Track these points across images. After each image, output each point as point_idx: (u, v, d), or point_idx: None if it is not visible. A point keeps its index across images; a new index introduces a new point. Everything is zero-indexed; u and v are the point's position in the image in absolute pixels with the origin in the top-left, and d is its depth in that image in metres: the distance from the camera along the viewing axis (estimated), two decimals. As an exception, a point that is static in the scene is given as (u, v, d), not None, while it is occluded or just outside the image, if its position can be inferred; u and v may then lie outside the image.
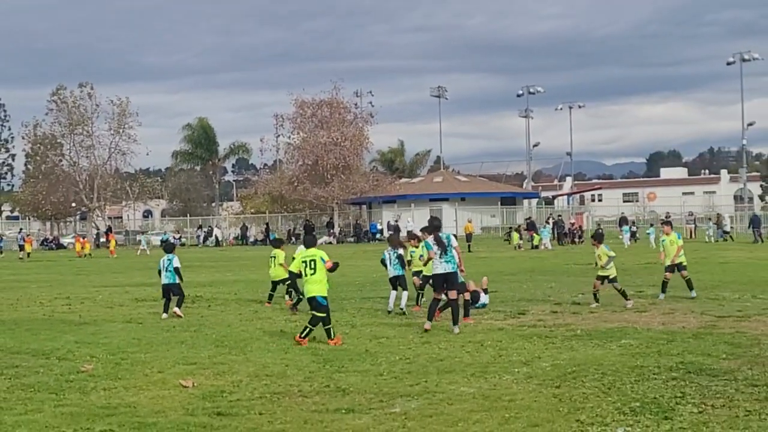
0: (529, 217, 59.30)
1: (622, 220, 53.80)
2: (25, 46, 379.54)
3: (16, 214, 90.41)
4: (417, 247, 15.95)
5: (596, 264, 16.21)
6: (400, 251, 15.91)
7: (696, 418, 7.25)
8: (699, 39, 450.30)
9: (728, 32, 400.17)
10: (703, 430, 6.90)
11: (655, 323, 13.35)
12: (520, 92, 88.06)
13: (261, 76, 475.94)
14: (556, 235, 50.85)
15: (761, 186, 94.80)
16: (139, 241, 58.07)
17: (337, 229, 65.71)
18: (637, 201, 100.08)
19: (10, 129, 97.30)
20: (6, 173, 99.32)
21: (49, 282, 27.11)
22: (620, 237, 48.12)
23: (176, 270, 15.77)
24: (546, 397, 8.14)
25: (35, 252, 53.73)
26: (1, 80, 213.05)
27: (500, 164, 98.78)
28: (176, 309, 15.67)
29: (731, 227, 54.56)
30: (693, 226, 55.24)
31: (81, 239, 54.56)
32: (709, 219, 57.07)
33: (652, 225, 53.96)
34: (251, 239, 67.19)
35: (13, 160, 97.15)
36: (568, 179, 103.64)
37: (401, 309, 15.33)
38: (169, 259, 15.86)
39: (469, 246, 43.37)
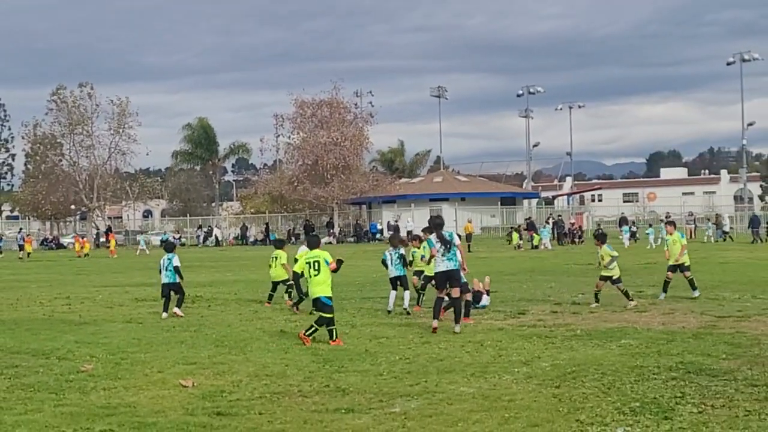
0: (529, 217, 59.31)
1: (622, 221, 53.84)
2: (25, 46, 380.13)
3: (15, 213, 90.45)
4: (418, 247, 15.95)
5: (599, 264, 16.22)
6: (402, 251, 15.90)
7: (696, 418, 7.25)
8: (699, 39, 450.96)
9: (728, 32, 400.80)
10: (702, 430, 6.90)
11: (655, 323, 13.35)
12: (520, 92, 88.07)
13: (261, 76, 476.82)
14: (555, 235, 50.86)
15: (761, 186, 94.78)
16: (138, 241, 58.07)
17: (337, 229, 65.72)
18: (637, 201, 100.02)
19: (10, 129, 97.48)
20: (6, 173, 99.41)
21: (49, 282, 27.13)
22: (620, 237, 48.12)
23: (176, 269, 15.78)
24: (546, 397, 8.14)
25: (35, 252, 53.72)
26: (1, 80, 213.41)
27: (500, 164, 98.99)
28: (176, 309, 15.69)
29: (731, 227, 54.55)
30: (693, 226, 55.24)
31: (80, 239, 54.54)
32: (708, 219, 57.08)
33: (650, 225, 53.97)
34: (251, 239, 67.22)
35: (13, 159, 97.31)
36: (568, 179, 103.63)
37: (405, 309, 15.29)
38: (169, 259, 15.88)
39: (468, 246, 43.35)
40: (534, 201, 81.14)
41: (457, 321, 12.87)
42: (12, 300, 20.08)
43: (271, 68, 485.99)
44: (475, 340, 11.89)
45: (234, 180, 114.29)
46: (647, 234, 46.86)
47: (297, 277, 13.45)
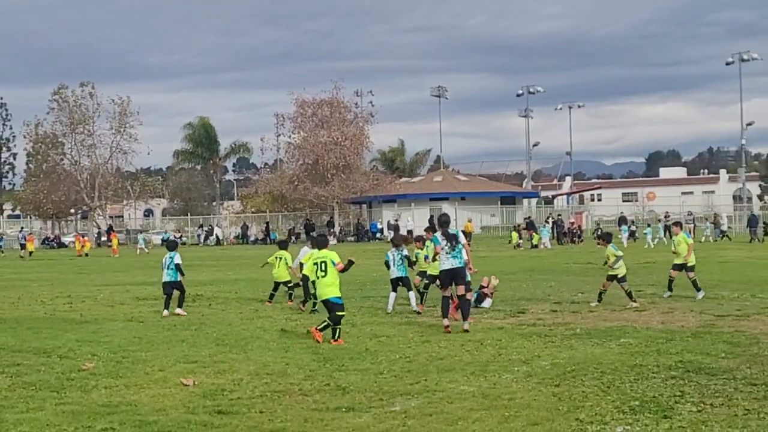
0: (529, 217, 59.36)
1: (622, 220, 53.86)
2: (25, 46, 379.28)
3: (17, 212, 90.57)
4: (421, 248, 15.94)
5: (605, 264, 16.27)
6: (405, 252, 15.82)
7: (695, 416, 7.28)
8: (699, 39, 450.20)
9: (728, 32, 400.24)
10: (702, 428, 6.92)
11: (654, 322, 13.38)
12: (520, 92, 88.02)
13: (261, 76, 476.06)
14: (555, 235, 50.92)
15: (760, 186, 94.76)
16: (138, 240, 58.04)
17: (337, 229, 65.72)
18: (636, 201, 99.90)
19: (11, 128, 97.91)
20: (7, 172, 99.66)
21: (51, 281, 27.16)
22: (619, 236, 48.12)
23: (177, 266, 15.81)
24: (545, 396, 8.17)
25: (37, 251, 53.73)
26: (2, 80, 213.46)
27: (500, 164, 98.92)
28: (179, 309, 15.73)
29: (729, 227, 54.56)
30: (692, 225, 55.20)
31: (81, 238, 54.55)
32: (707, 219, 57.10)
33: (649, 225, 53.97)
34: (252, 238, 67.22)
35: (15, 159, 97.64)
36: (568, 179, 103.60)
37: (415, 311, 15.19)
38: (171, 257, 15.90)
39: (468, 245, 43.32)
40: (534, 200, 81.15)
41: (465, 318, 12.83)
42: (13, 299, 20.12)
43: (272, 68, 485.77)
44: (475, 339, 11.91)
45: (235, 179, 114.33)
46: (645, 234, 46.89)
47: (306, 279, 13.44)
